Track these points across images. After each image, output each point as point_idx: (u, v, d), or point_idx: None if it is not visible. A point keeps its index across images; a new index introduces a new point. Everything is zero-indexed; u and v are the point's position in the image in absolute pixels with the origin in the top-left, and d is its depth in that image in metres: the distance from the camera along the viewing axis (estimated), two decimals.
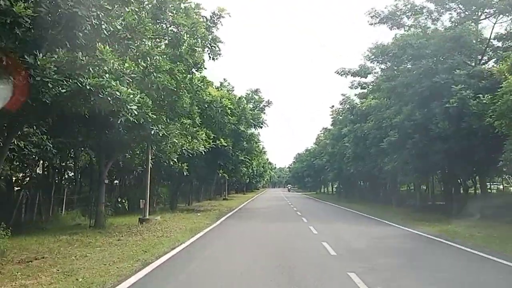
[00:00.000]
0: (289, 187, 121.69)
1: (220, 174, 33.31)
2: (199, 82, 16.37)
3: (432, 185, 40.32)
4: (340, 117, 48.61)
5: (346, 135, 42.28)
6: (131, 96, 9.57)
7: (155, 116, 13.27)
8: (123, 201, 22.82)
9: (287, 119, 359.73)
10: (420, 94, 22.32)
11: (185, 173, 23.69)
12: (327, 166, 52.44)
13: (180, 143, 16.57)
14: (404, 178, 27.06)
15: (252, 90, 31.08)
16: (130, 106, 9.69)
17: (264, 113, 31.01)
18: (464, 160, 21.39)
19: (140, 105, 10.02)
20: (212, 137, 25.36)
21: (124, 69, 9.53)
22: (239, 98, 29.41)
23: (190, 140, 17.49)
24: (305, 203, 42.63)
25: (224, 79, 30.98)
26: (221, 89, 30.26)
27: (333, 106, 50.38)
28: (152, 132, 14.81)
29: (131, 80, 10.20)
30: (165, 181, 36.37)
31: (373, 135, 30.30)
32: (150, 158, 18.58)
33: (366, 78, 30.87)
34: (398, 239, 14.32)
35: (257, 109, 30.30)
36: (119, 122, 13.03)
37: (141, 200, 18.96)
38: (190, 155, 19.49)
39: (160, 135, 15.05)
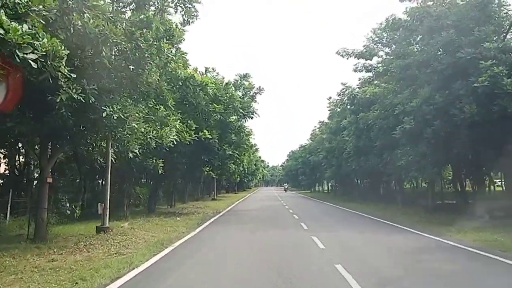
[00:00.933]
0: (286, 186, 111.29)
1: (206, 172, 29.52)
2: (170, 51, 12.53)
3: (441, 182, 37.05)
4: (338, 109, 45.06)
5: (345, 127, 38.76)
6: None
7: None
8: (73, 206, 18.85)
9: (280, 116, 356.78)
10: (440, 73, 18.75)
11: (159, 171, 19.86)
12: (324, 163, 48.83)
13: (144, 130, 12.76)
14: (418, 173, 23.42)
15: (241, 75, 27.27)
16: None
17: (255, 101, 27.24)
18: (496, 150, 17.91)
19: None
20: (193, 128, 21.66)
21: None
22: (226, 83, 25.62)
23: (158, 128, 13.62)
24: (300, 204, 38.98)
25: (213, 69, 27.13)
26: (206, 75, 26.46)
27: (330, 98, 46.76)
28: (104, 115, 11.08)
29: None
30: (147, 180, 32.70)
31: (379, 126, 26.70)
32: (110, 150, 14.75)
33: (371, 60, 27.33)
34: (435, 254, 10.68)
35: (247, 97, 26.48)
36: (58, 101, 9.68)
37: (99, 204, 15.16)
38: (159, 147, 15.75)
39: (115, 118, 11.28)
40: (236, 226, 17.62)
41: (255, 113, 27.15)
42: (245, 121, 27.30)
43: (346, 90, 39.52)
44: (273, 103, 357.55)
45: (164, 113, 14.15)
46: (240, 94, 27.05)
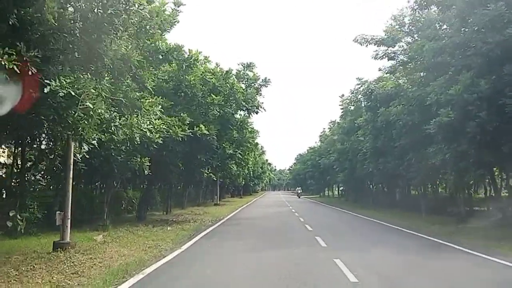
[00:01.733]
0: (299, 191, 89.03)
1: (206, 174, 26.26)
2: (141, 7, 9.24)
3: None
4: (352, 107, 41.72)
5: (360, 127, 35.37)
6: None
7: None
8: (20, 215, 15.48)
9: (287, 119, 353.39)
10: (485, 55, 15.41)
11: (145, 171, 16.72)
12: (335, 166, 45.35)
13: (108, 115, 9.51)
14: (456, 176, 20.04)
15: (245, 65, 23.99)
16: None
17: (260, 94, 23.95)
18: None
19: None
20: (187, 122, 18.53)
21: None
22: (227, 72, 22.37)
23: (129, 112, 10.34)
24: (311, 210, 35.57)
25: (217, 64, 23.87)
26: (205, 65, 23.27)
27: (342, 95, 43.54)
28: (47, 90, 7.94)
29: None
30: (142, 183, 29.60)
31: (403, 122, 23.32)
32: (72, 143, 11.53)
33: (393, 47, 24.01)
34: None
35: (251, 89, 23.21)
36: None
37: (57, 213, 11.94)
38: (145, 143, 12.59)
39: (62, 95, 8.10)
40: (235, 242, 14.26)
41: (261, 108, 23.91)
42: (249, 116, 24.03)
43: (361, 86, 36.39)
44: (280, 105, 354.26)
45: (137, 94, 10.83)
46: (244, 86, 23.80)
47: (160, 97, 14.78)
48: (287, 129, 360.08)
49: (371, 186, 47.20)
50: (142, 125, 10.93)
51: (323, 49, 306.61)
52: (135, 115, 10.61)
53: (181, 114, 18.87)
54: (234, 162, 25.24)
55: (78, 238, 14.37)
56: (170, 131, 18.12)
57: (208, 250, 12.57)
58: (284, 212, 30.25)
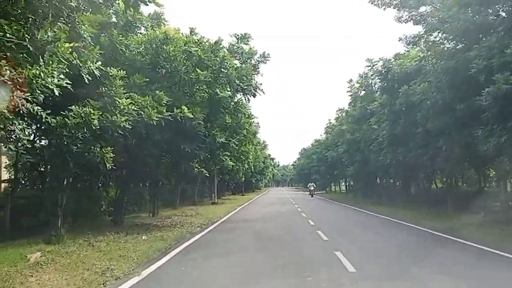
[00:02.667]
0: (312, 188, 65.25)
1: (196, 169, 22.30)
2: None
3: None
4: (362, 92, 37.68)
5: (374, 113, 31.37)
6: None
7: None
8: None
9: (290, 114, 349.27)
10: None
11: (108, 164, 12.88)
12: (345, 158, 41.31)
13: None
14: None
15: (239, 36, 19.97)
16: None
17: (258, 72, 19.96)
18: None
19: None
20: (164, 103, 14.79)
21: None
22: (216, 42, 18.36)
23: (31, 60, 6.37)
24: (320, 208, 31.60)
25: (201, 37, 19.83)
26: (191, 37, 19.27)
27: (350, 80, 39.51)
28: None
29: None
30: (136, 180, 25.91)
31: (431, 102, 19.33)
32: None
33: (417, 11, 19.88)
34: None
35: (246, 64, 19.19)
36: None
37: None
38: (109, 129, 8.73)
39: None
40: (222, 262, 10.18)
41: (259, 89, 19.91)
42: (245, 98, 20.03)
43: (371, 68, 32.45)
44: (283, 98, 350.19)
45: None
46: (238, 63, 19.80)
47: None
48: (290, 123, 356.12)
49: (379, 180, 43.29)
50: (48, 79, 6.86)
51: (328, 39, 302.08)
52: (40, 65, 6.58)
53: (157, 92, 14.98)
54: (228, 153, 21.23)
55: (7, 256, 10.56)
56: (142, 113, 14.34)
57: (180, 277, 8.60)
58: (289, 212, 26.26)
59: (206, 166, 21.72)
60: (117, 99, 13.60)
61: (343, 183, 77.28)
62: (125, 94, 13.98)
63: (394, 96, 26.26)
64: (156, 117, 14.28)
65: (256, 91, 20.01)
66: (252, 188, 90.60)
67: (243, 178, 51.72)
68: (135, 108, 13.96)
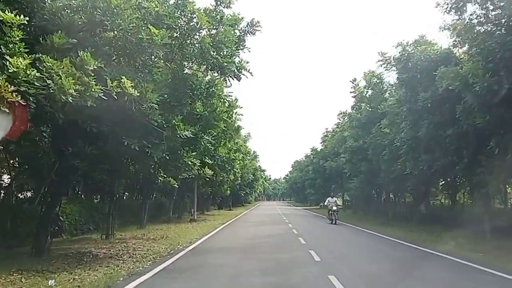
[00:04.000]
0: (334, 207, 30.02)
1: (160, 178, 16.82)
2: None
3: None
4: (369, 92, 32.63)
5: (386, 114, 26.28)
6: None
7: None
8: None
9: (282, 125, 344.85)
10: None
11: None
12: (347, 169, 35.90)
13: None
14: None
15: None
16: None
17: (244, 46, 14.58)
18: None
19: None
20: (92, 72, 9.26)
21: None
22: None
23: None
24: (325, 232, 25.94)
25: None
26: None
27: (354, 80, 34.47)
28: None
29: None
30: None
31: (481, 86, 14.16)
32: None
33: None
34: None
35: (225, 27, 13.80)
36: None
37: None
38: None
39: None
40: None
41: (244, 69, 14.52)
42: (225, 80, 14.61)
43: (386, 59, 27.55)
44: (274, 108, 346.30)
45: None
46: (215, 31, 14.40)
47: None
48: (282, 135, 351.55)
49: (385, 195, 38.10)
50: None
51: (328, 49, 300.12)
52: None
53: (80, 54, 9.55)
54: (196, 154, 15.65)
55: None
56: (51, 83, 8.92)
57: None
58: (283, 237, 20.53)
59: (170, 173, 16.16)
60: (8, 57, 8.20)
61: (340, 199, 72.06)
62: (31, 56, 8.58)
63: (416, 90, 21.22)
64: (75, 91, 8.84)
65: (240, 71, 14.66)
66: (241, 202, 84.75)
67: (228, 191, 45.97)
68: (39, 75, 8.55)
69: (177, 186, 18.62)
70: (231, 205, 67.79)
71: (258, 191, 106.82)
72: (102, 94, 9.44)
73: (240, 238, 19.46)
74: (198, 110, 13.36)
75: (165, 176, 17.92)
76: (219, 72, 14.11)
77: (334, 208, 28.87)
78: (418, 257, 13.72)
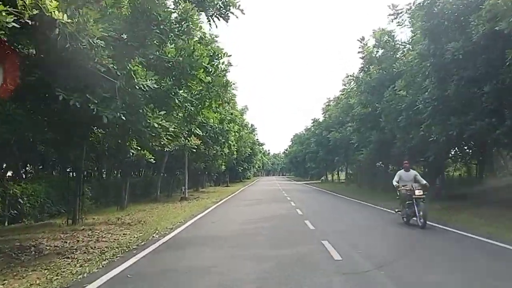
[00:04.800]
0: (418, 191, 13.23)
1: (134, 151, 13.46)
2: None
3: None
4: (379, 52, 28.94)
5: (402, 73, 22.82)
6: None
7: None
8: None
9: (280, 97, 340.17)
10: None
11: None
12: (354, 139, 32.46)
13: None
14: None
15: None
16: None
17: None
18: None
19: None
20: None
21: None
22: None
23: None
24: (332, 210, 22.69)
25: None
26: None
27: (363, 39, 30.65)
28: None
29: None
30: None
31: None
32: None
33: None
34: None
35: None
36: None
37: None
38: None
39: None
40: None
41: (233, 6, 10.94)
42: (208, 21, 11.02)
43: (398, 13, 24.19)
44: (272, 84, 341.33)
45: None
46: None
47: None
48: (281, 108, 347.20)
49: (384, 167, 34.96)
50: None
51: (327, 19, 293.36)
52: None
53: None
54: (183, 120, 12.22)
55: None
56: None
57: None
58: (285, 218, 17.18)
59: (142, 143, 12.75)
60: None
61: (342, 172, 69.02)
62: None
63: (442, 41, 17.65)
64: None
65: (228, 9, 11.08)
66: (239, 178, 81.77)
67: (223, 166, 42.64)
68: None
69: (153, 161, 15.18)
70: (228, 182, 64.69)
71: (257, 166, 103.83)
72: (13, 18, 6.02)
73: (233, 222, 16.16)
74: (169, 55, 9.83)
75: (138, 148, 14.57)
76: (198, 8, 10.58)
77: (419, 192, 13.32)
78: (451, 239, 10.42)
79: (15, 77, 7.48)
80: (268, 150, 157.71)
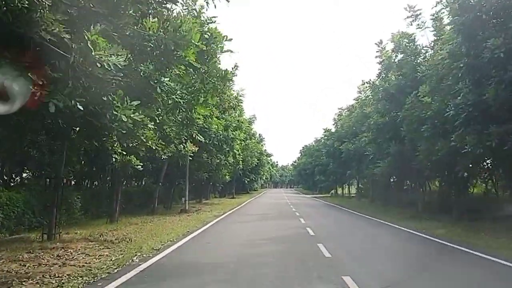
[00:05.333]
0: None
1: (116, 156, 11.32)
2: None
3: None
4: (398, 57, 26.70)
5: (423, 79, 20.61)
6: None
7: None
8: None
9: (290, 111, 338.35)
10: None
11: None
12: (370, 151, 29.89)
13: None
14: None
15: None
16: None
17: None
18: None
19: None
20: None
21: None
22: None
23: None
24: (349, 229, 20.23)
25: None
26: None
27: (381, 42, 28.52)
28: None
29: None
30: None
31: None
32: None
33: None
34: None
35: None
36: None
37: None
38: None
39: None
40: None
41: None
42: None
43: (417, 15, 22.13)
44: (281, 96, 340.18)
45: None
46: None
47: None
48: (290, 120, 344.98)
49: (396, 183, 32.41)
50: None
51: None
52: None
53: None
54: (181, 125, 9.90)
55: None
56: None
57: None
58: (294, 241, 14.49)
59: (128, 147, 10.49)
60: None
61: (352, 186, 66.26)
62: None
63: (479, 38, 15.35)
64: None
65: None
66: (246, 189, 79.21)
67: (227, 177, 40.18)
68: None
69: (141, 168, 12.92)
70: (234, 193, 62.21)
71: (264, 178, 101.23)
72: None
73: (232, 244, 13.73)
74: (150, 31, 7.59)
75: (124, 153, 12.31)
76: None
77: None
78: None
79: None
80: (276, 162, 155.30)
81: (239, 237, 15.29)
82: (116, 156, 12.37)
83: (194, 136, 21.53)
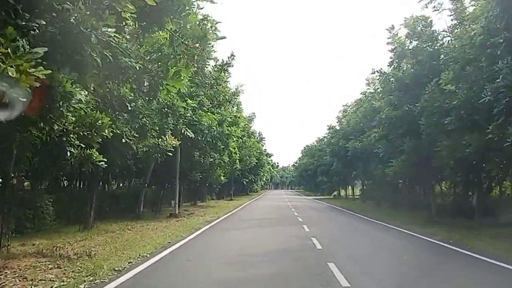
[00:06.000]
0: None
1: (72, 151, 8.71)
2: None
3: None
4: (412, 44, 23.95)
5: (450, 62, 17.77)
6: None
7: None
8: None
9: (290, 111, 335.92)
10: None
11: None
12: (380, 149, 26.96)
13: None
14: None
15: None
16: None
17: None
18: None
19: None
20: None
21: None
22: None
23: None
24: (362, 240, 17.46)
25: None
26: None
27: (392, 28, 25.72)
28: None
29: None
30: None
31: None
32: None
33: None
34: None
35: None
36: None
37: None
38: None
39: None
40: None
41: None
42: None
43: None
44: (283, 96, 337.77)
45: None
46: None
47: None
48: (291, 121, 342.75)
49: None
50: None
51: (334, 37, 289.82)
52: None
53: None
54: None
55: None
56: None
57: None
58: (296, 257, 11.75)
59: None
60: None
61: (356, 188, 63.40)
62: None
63: None
64: None
65: None
66: (245, 191, 76.38)
67: (222, 177, 37.24)
68: None
69: (105, 165, 10.17)
70: (232, 195, 59.34)
71: (264, 179, 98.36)
72: None
73: (218, 262, 10.80)
74: None
75: (82, 145, 9.55)
76: None
77: None
78: None
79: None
80: (277, 163, 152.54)
81: (230, 251, 12.43)
82: (72, 150, 9.62)
83: (182, 131, 18.82)
